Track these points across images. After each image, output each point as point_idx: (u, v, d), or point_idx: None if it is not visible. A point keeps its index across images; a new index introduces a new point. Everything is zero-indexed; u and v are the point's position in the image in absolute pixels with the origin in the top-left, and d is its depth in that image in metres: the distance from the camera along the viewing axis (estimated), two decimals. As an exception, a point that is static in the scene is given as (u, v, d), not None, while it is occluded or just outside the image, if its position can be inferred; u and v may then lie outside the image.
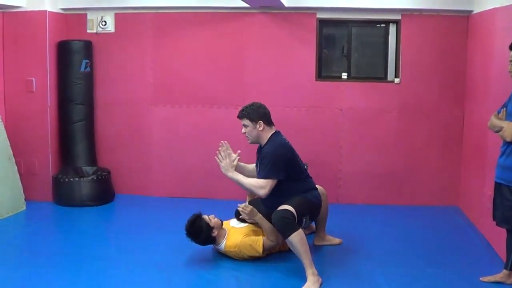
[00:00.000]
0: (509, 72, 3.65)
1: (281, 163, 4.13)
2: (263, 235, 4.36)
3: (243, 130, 4.29)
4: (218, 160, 4.24)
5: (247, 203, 4.52)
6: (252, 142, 4.34)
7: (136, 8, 6.00)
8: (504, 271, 3.87)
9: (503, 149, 3.71)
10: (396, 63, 5.88)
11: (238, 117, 4.29)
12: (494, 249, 4.51)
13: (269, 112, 4.32)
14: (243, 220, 4.47)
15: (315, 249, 4.63)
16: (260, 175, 4.18)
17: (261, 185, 4.11)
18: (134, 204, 5.99)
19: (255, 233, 4.40)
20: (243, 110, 4.28)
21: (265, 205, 4.29)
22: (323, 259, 4.45)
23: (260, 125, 4.23)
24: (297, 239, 3.91)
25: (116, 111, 6.21)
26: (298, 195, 4.18)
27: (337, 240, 4.77)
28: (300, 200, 4.15)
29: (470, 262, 4.36)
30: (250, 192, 4.34)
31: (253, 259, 4.31)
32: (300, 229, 3.98)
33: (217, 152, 4.25)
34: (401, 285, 3.92)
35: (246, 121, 4.25)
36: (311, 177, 4.44)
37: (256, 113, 4.24)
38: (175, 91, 6.13)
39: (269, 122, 4.30)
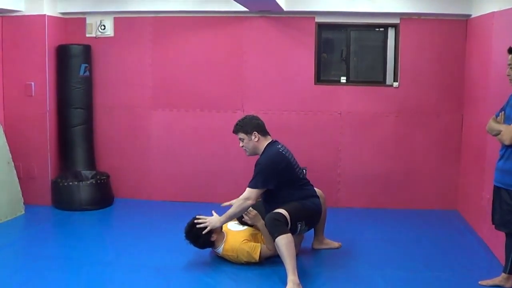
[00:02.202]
0: (508, 75, 3.65)
1: (270, 172, 4.13)
2: (262, 241, 4.35)
3: (240, 144, 4.32)
4: (204, 224, 4.21)
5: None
6: (251, 155, 4.37)
7: (135, 12, 6.00)
8: (503, 274, 3.85)
9: (501, 152, 3.71)
10: (395, 67, 5.89)
11: (233, 132, 4.34)
12: (493, 253, 4.51)
13: (262, 123, 4.34)
14: (242, 223, 4.47)
15: (314, 253, 4.63)
16: (248, 184, 4.19)
17: (246, 196, 4.13)
18: (133, 208, 5.98)
19: (254, 238, 4.39)
20: (236, 124, 4.32)
21: (266, 210, 4.28)
22: (322, 263, 4.45)
23: (255, 136, 4.26)
24: (284, 241, 3.89)
25: (115, 115, 6.21)
26: (295, 201, 4.18)
27: (336, 244, 4.76)
28: (297, 205, 4.14)
29: (469, 265, 4.36)
30: (243, 211, 4.28)
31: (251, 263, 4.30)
32: (289, 234, 3.95)
33: (196, 219, 4.25)
34: (400, 289, 3.92)
35: (241, 135, 4.29)
36: (312, 185, 4.43)
37: (250, 125, 4.28)
38: (174, 95, 6.14)
39: (264, 132, 4.32)
